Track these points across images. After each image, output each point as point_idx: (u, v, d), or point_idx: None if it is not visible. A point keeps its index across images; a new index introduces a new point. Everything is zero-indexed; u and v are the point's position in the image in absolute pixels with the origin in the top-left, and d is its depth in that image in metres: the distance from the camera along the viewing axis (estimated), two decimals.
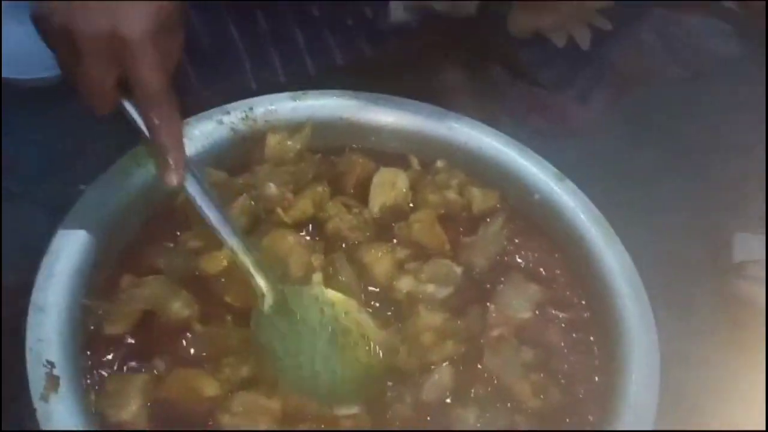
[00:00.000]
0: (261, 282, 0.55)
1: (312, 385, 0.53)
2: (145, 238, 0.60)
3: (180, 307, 0.56)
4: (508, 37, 0.89)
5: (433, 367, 0.56)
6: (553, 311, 0.61)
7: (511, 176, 0.67)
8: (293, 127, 0.66)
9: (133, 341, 0.55)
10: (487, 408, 0.55)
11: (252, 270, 0.55)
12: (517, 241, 0.65)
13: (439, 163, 0.68)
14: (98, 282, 0.56)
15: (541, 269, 0.63)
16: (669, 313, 0.62)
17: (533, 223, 0.66)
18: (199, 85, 0.87)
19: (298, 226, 0.62)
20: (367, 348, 0.55)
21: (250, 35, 0.86)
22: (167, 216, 0.61)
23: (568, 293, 0.62)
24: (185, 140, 0.56)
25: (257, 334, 0.54)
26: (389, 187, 0.65)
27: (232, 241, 0.55)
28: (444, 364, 0.56)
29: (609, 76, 0.87)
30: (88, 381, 0.52)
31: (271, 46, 0.87)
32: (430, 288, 0.60)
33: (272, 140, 0.65)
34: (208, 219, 0.55)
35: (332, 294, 0.56)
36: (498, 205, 0.66)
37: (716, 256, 0.71)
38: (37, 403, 0.48)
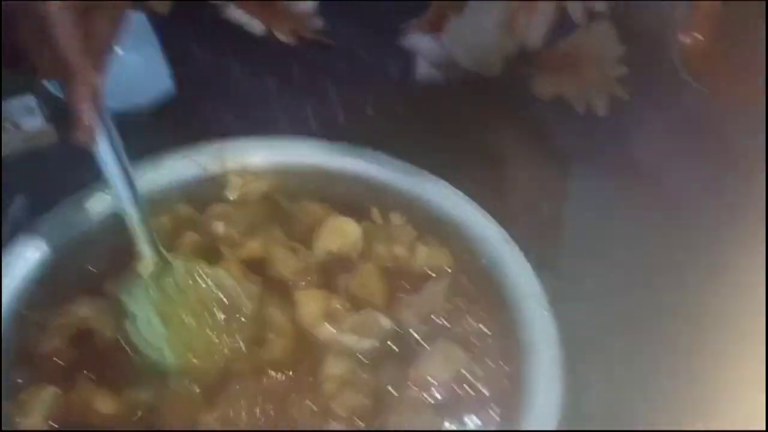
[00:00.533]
0: (146, 250, 0.60)
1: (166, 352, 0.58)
2: (105, 266, 0.65)
3: (114, 329, 0.60)
4: (531, 98, 0.88)
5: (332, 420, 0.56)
6: (473, 381, 0.60)
7: (463, 239, 0.66)
8: (260, 171, 0.70)
9: (63, 357, 0.60)
10: None
11: (141, 236, 0.60)
12: (457, 304, 0.64)
13: (394, 217, 0.68)
14: (44, 299, 0.61)
15: (472, 337, 0.62)
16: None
17: (477, 289, 0.65)
18: (235, 130, 0.92)
19: (245, 266, 0.64)
20: (235, 325, 0.59)
21: (287, 85, 0.91)
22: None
23: (496, 366, 0.61)
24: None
25: (131, 300, 0.59)
26: (338, 234, 0.66)
27: (130, 208, 0.60)
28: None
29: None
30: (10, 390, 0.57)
31: (305, 97, 0.91)
32: (350, 339, 0.60)
33: (235, 181, 0.69)
34: (112, 182, 0.60)
35: (213, 269, 0.61)
36: (447, 267, 0.66)
37: None
38: None
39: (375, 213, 0.69)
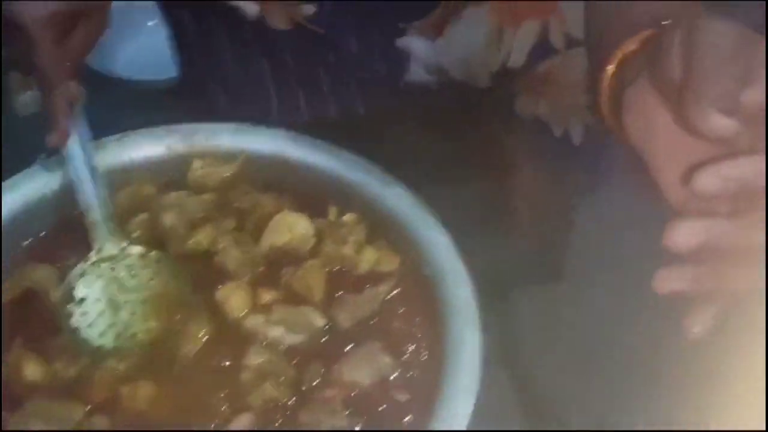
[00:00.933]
0: (103, 238, 0.63)
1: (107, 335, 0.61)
2: (60, 234, 0.67)
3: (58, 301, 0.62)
4: (515, 114, 0.87)
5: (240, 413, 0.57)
6: (393, 389, 0.59)
7: (412, 245, 0.66)
8: (224, 157, 0.71)
9: (3, 317, 0.62)
10: None
11: (100, 227, 0.63)
12: (394, 310, 0.64)
13: (346, 217, 0.68)
14: None
15: (402, 346, 0.62)
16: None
17: (416, 298, 0.64)
18: (227, 112, 0.93)
19: (191, 257, 0.66)
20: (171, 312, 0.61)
21: (281, 73, 0.91)
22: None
23: (419, 377, 0.60)
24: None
25: (81, 282, 0.62)
26: (286, 229, 0.67)
27: (94, 205, 0.63)
28: (242, 417, 0.57)
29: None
30: None
31: (299, 86, 0.92)
32: (278, 331, 0.61)
33: (196, 164, 0.70)
34: (77, 179, 0.64)
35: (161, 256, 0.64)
36: (391, 272, 0.66)
37: None
38: None
39: (332, 211, 0.70)
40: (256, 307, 0.62)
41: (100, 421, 0.56)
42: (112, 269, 0.63)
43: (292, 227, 0.67)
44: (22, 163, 0.68)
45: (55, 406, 0.56)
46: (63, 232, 0.66)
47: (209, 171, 0.70)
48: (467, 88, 0.88)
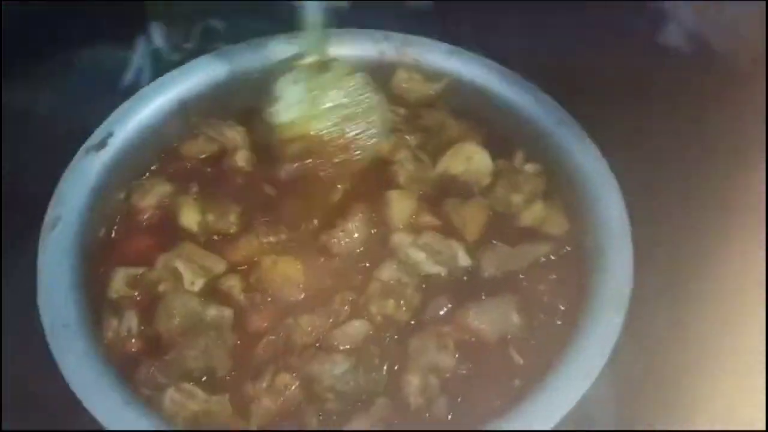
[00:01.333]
0: (314, 45, 0.61)
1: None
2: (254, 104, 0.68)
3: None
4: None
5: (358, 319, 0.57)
6: (512, 351, 0.56)
7: (587, 216, 0.61)
8: (430, 74, 0.69)
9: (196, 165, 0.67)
10: None
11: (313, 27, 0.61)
12: (546, 276, 0.60)
13: (529, 165, 0.65)
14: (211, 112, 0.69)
15: (540, 313, 0.58)
16: None
17: (573, 270, 0.60)
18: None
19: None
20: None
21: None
22: None
23: (542, 347, 0.56)
24: None
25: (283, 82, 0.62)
26: (464, 159, 0.65)
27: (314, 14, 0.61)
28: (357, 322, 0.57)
29: None
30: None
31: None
32: (419, 256, 0.60)
33: (401, 75, 0.69)
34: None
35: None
36: (555, 235, 0.62)
37: None
38: None
39: (518, 155, 0.66)
40: (409, 225, 0.62)
41: (232, 282, 0.59)
42: (314, 78, 0.62)
43: (470, 159, 0.65)
44: None
45: (202, 254, 0.60)
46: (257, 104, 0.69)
47: (412, 85, 0.69)
48: (723, 65, 0.78)
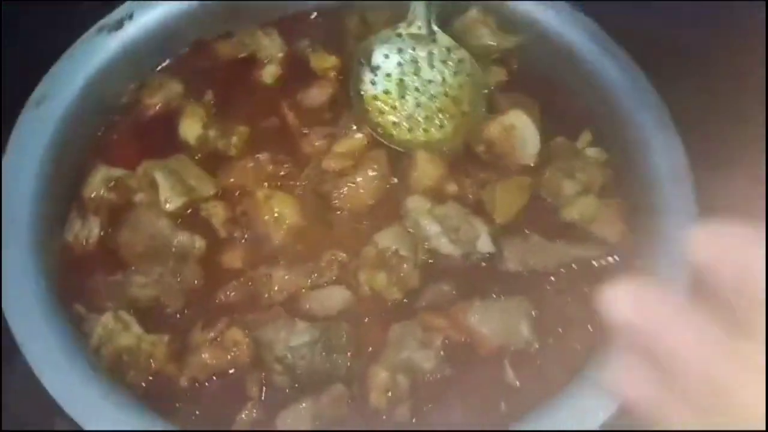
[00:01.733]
0: (420, 11, 0.55)
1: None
2: None
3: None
4: None
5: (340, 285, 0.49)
6: (510, 369, 0.46)
7: (647, 223, 0.49)
8: (518, 25, 0.59)
9: (218, 67, 0.59)
10: None
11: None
12: (578, 284, 0.49)
13: (593, 151, 0.54)
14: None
15: (557, 328, 0.47)
16: None
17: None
18: None
19: None
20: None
21: None
22: None
23: (544, 374, 0.46)
24: None
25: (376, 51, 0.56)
26: (504, 129, 0.54)
27: None
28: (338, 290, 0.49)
29: None
30: None
31: None
32: (433, 229, 0.50)
33: (473, 14, 0.58)
34: None
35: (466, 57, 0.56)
36: (606, 241, 0.50)
37: None
38: None
39: (584, 136, 0.55)
40: (430, 190, 0.52)
41: (216, 209, 0.51)
42: (414, 49, 0.55)
43: (512, 129, 0.53)
44: None
45: (193, 171, 0.53)
46: None
47: (478, 30, 0.58)
48: None
